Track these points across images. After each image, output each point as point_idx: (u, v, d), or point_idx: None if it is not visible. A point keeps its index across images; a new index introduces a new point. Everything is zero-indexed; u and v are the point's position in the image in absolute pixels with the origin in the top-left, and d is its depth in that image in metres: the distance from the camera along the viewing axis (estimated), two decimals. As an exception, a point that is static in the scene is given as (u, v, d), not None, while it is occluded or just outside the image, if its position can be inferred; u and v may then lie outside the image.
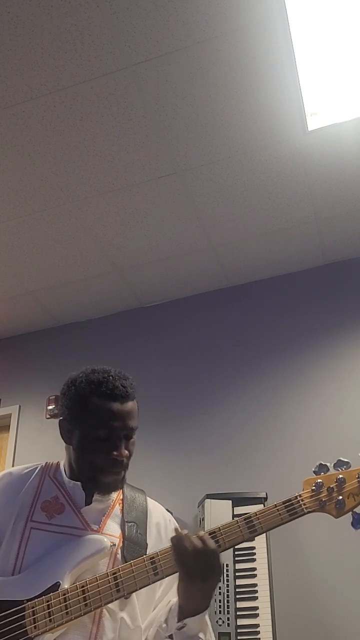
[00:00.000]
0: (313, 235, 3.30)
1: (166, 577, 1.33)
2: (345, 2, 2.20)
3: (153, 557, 1.32)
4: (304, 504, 1.35)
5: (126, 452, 1.41)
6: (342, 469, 1.38)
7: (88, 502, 1.43)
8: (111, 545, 1.36)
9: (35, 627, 1.25)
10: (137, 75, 2.41)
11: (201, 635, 1.31)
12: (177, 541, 1.27)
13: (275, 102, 2.54)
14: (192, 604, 1.28)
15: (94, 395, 1.43)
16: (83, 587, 1.28)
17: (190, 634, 1.29)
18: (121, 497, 1.50)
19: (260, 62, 2.38)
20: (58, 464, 1.54)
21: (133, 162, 2.80)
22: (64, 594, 1.28)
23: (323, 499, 1.36)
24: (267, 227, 3.23)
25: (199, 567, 1.25)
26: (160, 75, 2.41)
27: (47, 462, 1.55)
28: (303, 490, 1.38)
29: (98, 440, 1.40)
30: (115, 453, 1.40)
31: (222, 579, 2.54)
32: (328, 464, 1.39)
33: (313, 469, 1.40)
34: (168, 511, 1.64)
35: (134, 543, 1.42)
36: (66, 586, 1.29)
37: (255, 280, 3.62)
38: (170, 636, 1.32)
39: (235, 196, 3.03)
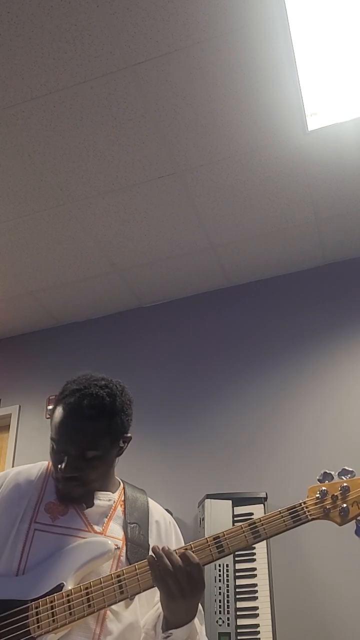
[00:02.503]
0: (313, 235, 3.30)
1: None
2: (345, 3, 2.20)
3: None
4: (308, 511, 1.36)
5: (68, 470, 1.38)
6: (346, 478, 1.39)
7: (90, 504, 1.44)
8: (115, 549, 1.36)
9: (38, 626, 1.26)
10: (137, 75, 2.41)
11: None
12: (154, 561, 1.26)
13: (275, 102, 2.54)
14: (175, 618, 1.28)
15: (58, 404, 1.44)
16: (87, 588, 1.29)
17: None
18: (123, 498, 1.50)
19: (260, 62, 2.38)
20: None
21: (133, 162, 2.80)
22: (68, 595, 1.28)
23: (327, 507, 1.37)
24: (267, 227, 3.23)
25: (178, 586, 1.24)
26: (160, 75, 2.41)
27: (50, 462, 1.55)
28: (307, 497, 1.39)
29: (51, 449, 1.43)
30: (57, 468, 1.40)
31: (222, 579, 2.55)
32: (332, 473, 1.41)
33: (317, 477, 1.41)
34: (168, 512, 1.64)
35: (137, 544, 1.42)
36: (70, 587, 1.30)
37: (255, 280, 3.62)
38: None
39: (235, 196, 3.03)
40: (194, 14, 2.20)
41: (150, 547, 1.42)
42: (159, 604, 1.36)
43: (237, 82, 2.45)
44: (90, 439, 1.39)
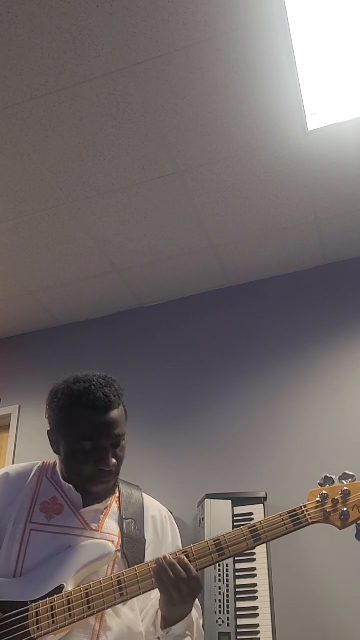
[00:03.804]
0: (313, 235, 3.30)
1: None
2: (345, 3, 2.20)
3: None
4: (309, 515, 1.37)
5: (114, 461, 1.41)
6: (347, 482, 1.40)
7: (86, 504, 1.44)
8: (116, 551, 1.37)
9: (38, 628, 1.26)
10: (137, 75, 2.41)
11: (188, 632, 1.37)
12: (158, 572, 1.30)
13: (275, 102, 2.54)
14: (174, 617, 1.34)
15: (76, 407, 1.42)
16: (87, 590, 1.29)
17: (177, 634, 1.35)
18: (118, 495, 1.51)
19: (260, 62, 2.38)
20: (55, 464, 1.54)
21: (133, 162, 2.80)
22: (68, 597, 1.28)
23: (328, 510, 1.38)
24: (267, 227, 3.23)
25: (180, 594, 1.29)
26: (160, 75, 2.41)
27: (44, 462, 1.56)
28: (308, 501, 1.40)
29: (84, 452, 1.41)
30: (101, 465, 1.40)
31: (222, 579, 2.55)
32: (333, 477, 1.42)
33: (318, 481, 1.42)
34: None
35: (133, 539, 1.43)
36: (70, 589, 1.30)
37: (255, 280, 3.62)
38: (159, 638, 1.39)
39: (235, 196, 3.02)
40: (194, 14, 2.20)
41: (146, 541, 1.45)
42: (155, 601, 1.40)
43: (237, 82, 2.45)
44: (122, 424, 1.45)
